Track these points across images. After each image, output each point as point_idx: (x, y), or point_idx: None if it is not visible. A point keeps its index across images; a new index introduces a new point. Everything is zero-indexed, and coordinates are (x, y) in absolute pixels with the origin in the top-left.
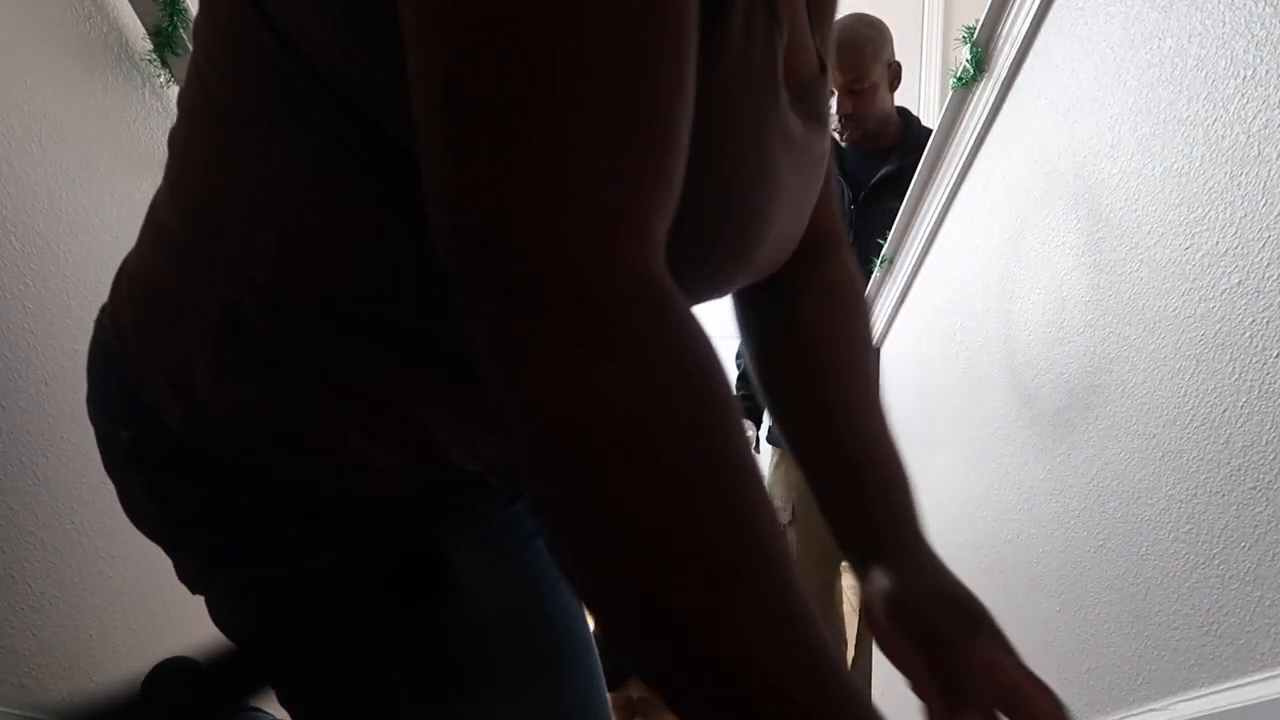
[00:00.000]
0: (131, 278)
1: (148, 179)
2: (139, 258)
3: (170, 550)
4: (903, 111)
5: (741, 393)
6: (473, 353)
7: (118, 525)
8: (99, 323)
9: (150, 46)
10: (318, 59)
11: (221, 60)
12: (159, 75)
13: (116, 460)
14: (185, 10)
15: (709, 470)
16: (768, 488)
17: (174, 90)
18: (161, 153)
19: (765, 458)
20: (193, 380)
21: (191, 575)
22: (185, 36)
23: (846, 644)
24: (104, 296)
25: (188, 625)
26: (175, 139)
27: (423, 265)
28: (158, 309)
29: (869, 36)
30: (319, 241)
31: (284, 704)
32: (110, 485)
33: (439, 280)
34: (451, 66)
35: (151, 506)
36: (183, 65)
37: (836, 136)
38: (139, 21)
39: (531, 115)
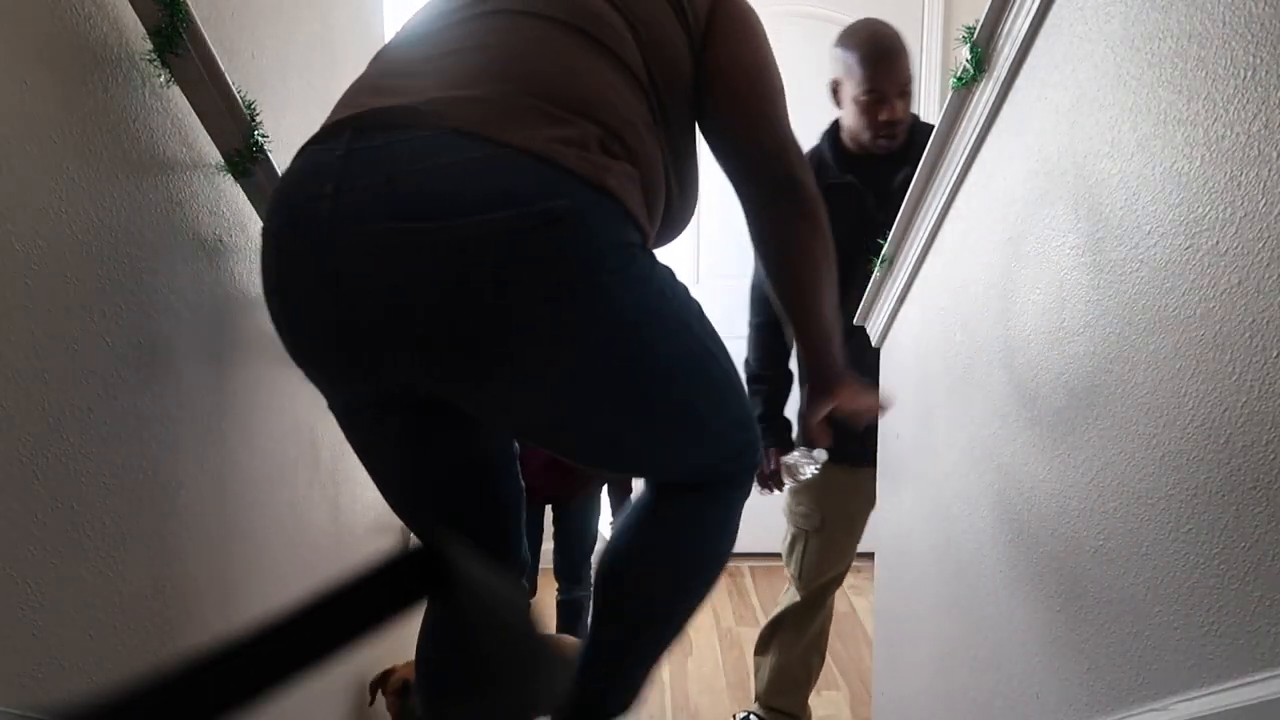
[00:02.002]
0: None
1: (148, 179)
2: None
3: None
4: None
5: (768, 373)
6: (791, 191)
7: (118, 525)
8: (479, 140)
9: (150, 46)
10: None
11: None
12: (159, 75)
13: (508, 235)
14: (185, 10)
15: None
16: (794, 496)
17: (174, 90)
18: (161, 152)
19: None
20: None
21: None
22: (185, 36)
23: (823, 655)
24: (103, 296)
25: (189, 625)
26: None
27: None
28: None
29: (900, 38)
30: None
31: None
32: (111, 487)
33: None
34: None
35: (518, 274)
36: (183, 65)
37: (885, 144)
38: (139, 21)
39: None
